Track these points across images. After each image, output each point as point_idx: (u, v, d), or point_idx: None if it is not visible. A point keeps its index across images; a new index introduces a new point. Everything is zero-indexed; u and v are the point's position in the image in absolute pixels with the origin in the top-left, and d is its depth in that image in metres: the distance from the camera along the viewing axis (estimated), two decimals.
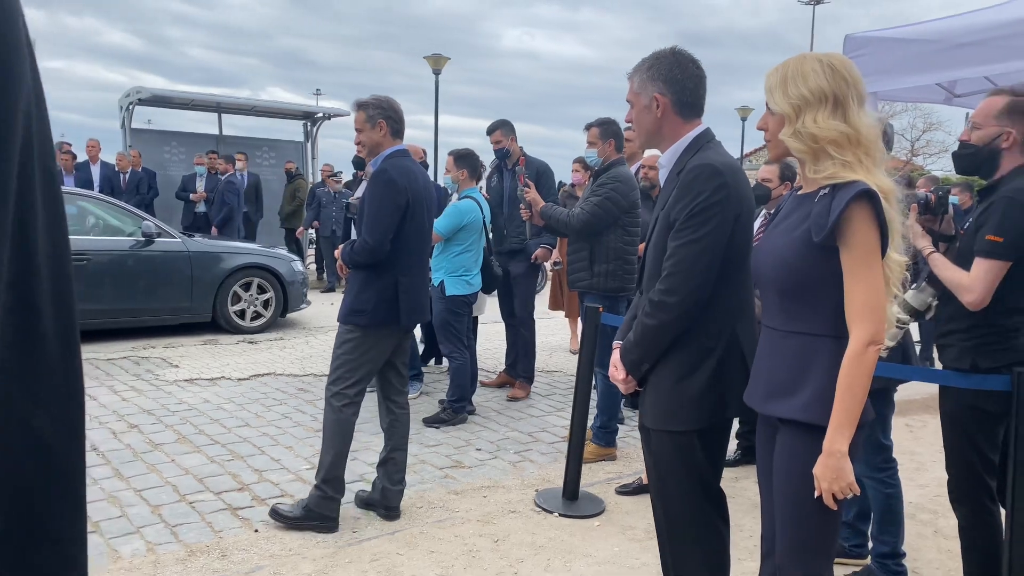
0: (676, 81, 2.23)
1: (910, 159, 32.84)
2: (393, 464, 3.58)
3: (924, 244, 2.54)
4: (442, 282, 5.14)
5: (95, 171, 10.60)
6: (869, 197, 1.70)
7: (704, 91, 2.31)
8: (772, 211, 2.15)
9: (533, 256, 5.70)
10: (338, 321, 3.50)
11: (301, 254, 12.07)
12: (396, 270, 3.44)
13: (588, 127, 4.52)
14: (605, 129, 4.44)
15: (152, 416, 4.93)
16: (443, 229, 5.04)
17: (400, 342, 3.61)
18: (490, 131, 5.78)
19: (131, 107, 11.90)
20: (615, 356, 2.33)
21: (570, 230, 4.49)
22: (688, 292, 2.10)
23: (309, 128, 13.86)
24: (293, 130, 14.57)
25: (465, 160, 5.28)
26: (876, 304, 1.72)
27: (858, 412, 1.73)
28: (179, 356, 6.70)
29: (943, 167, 35.18)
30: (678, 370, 2.17)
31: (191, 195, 11.02)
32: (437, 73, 15.80)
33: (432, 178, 8.03)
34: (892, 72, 5.53)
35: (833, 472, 1.71)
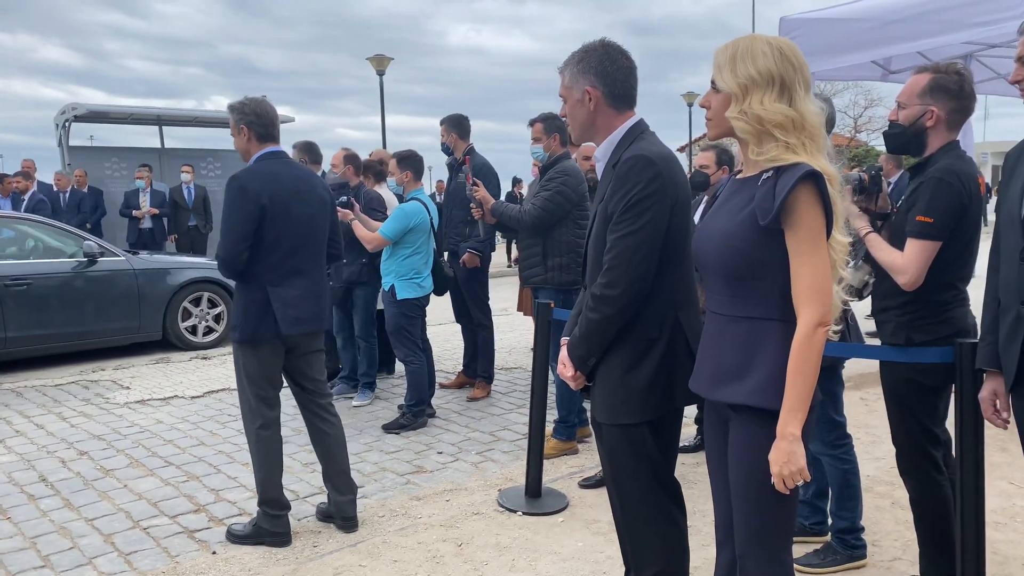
0: (607, 74, 2.22)
1: (854, 136, 33.48)
2: (335, 475, 3.51)
3: (861, 224, 2.57)
4: (392, 286, 5.07)
5: (29, 192, 10.27)
6: (814, 179, 1.70)
7: (635, 81, 2.29)
8: (711, 196, 2.14)
9: (460, 260, 5.60)
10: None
11: None
12: (264, 280, 3.25)
13: (532, 123, 4.51)
14: (549, 124, 4.44)
15: (103, 441, 4.79)
16: (390, 232, 4.98)
17: (302, 356, 3.44)
18: (440, 123, 5.77)
19: (67, 124, 11.58)
20: (563, 353, 2.31)
21: (522, 226, 4.48)
22: (629, 284, 2.09)
23: (228, 109, 13.59)
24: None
25: (408, 162, 5.23)
26: (823, 286, 1.72)
27: (810, 395, 1.73)
28: (130, 377, 6.54)
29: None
30: (624, 362, 2.16)
31: (134, 212, 10.77)
32: (381, 74, 15.66)
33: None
34: (827, 52, 5.61)
35: (785, 455, 1.71)
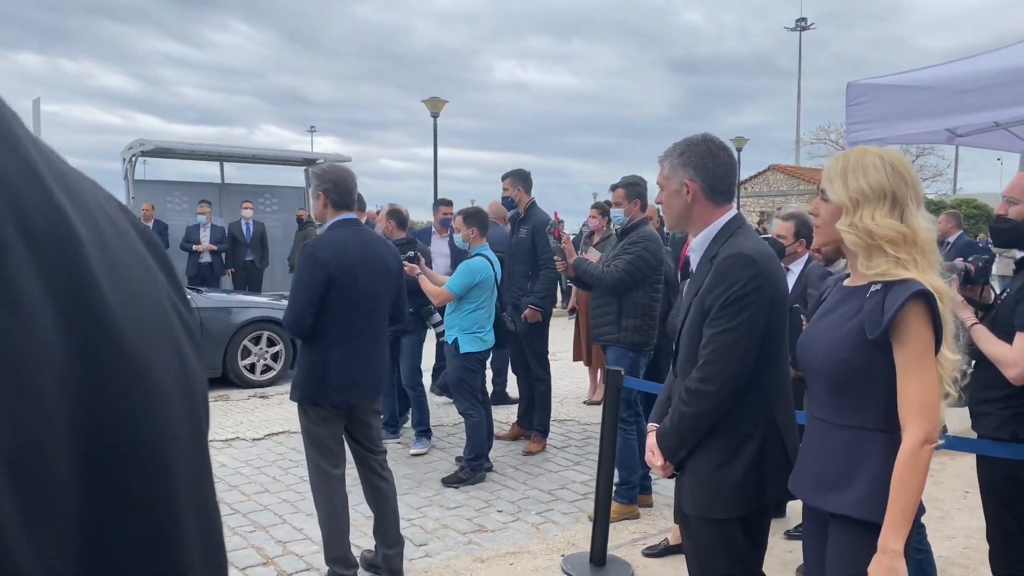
0: (707, 169, 2.27)
1: None
2: (386, 529, 3.60)
3: (966, 315, 2.56)
4: (456, 340, 5.15)
5: None
6: (925, 297, 1.72)
7: (735, 177, 2.34)
8: (815, 302, 2.16)
9: (523, 315, 5.68)
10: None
11: None
12: (326, 345, 3.36)
13: (614, 187, 4.70)
14: (631, 190, 4.60)
15: None
16: (456, 288, 5.07)
17: (360, 417, 3.54)
18: (503, 178, 5.94)
19: (134, 159, 11.98)
20: (651, 440, 2.33)
21: (603, 286, 4.60)
22: (725, 381, 2.12)
23: (310, 175, 13.94)
24: (294, 175, 14.69)
25: (474, 219, 5.33)
26: (930, 402, 1.73)
27: (913, 510, 1.73)
28: None
29: (937, 190, 35.46)
30: (717, 456, 2.17)
31: (194, 246, 11.06)
32: (435, 116, 15.94)
33: (429, 226, 8.12)
34: (896, 119, 5.59)
35: (886, 571, 1.71)
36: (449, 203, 8.10)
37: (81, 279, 0.39)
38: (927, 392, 1.73)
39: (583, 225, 12.89)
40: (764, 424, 2.17)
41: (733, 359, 2.11)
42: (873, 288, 1.81)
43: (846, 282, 1.97)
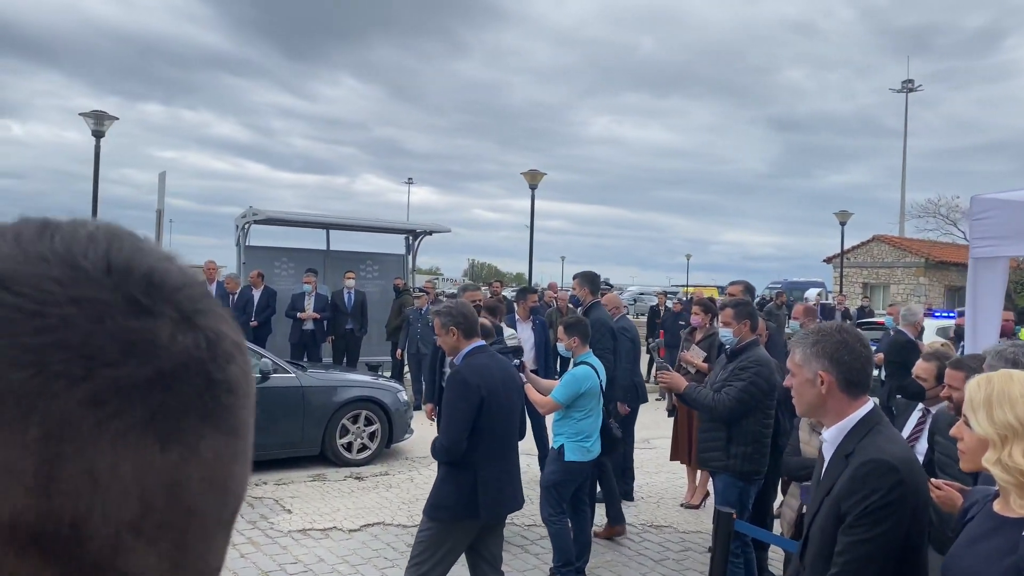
0: (843, 362, 2.19)
1: None
2: None
3: None
4: (562, 446, 5.11)
5: (212, 290, 11.13)
6: None
7: (871, 369, 2.26)
8: (966, 509, 2.04)
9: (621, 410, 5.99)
10: (423, 512, 3.69)
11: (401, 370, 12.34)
12: (475, 463, 3.58)
13: (723, 307, 4.61)
14: (740, 310, 4.53)
15: None
16: (562, 398, 5.04)
17: (492, 533, 3.72)
18: (573, 278, 6.42)
19: (247, 227, 12.57)
20: None
21: (715, 415, 4.50)
22: None
23: (411, 242, 14.32)
24: (395, 242, 15.09)
25: (575, 328, 5.31)
26: None
27: None
28: (290, 497, 6.82)
29: None
30: None
31: (299, 314, 11.45)
32: (533, 187, 16.14)
33: (528, 281, 8.23)
34: (1022, 235, 5.33)
35: None
36: (535, 291, 8.17)
37: None
38: None
39: (665, 300, 12.77)
40: None
41: (869, 572, 2.01)
42: None
43: (996, 506, 1.85)
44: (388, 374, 12.36)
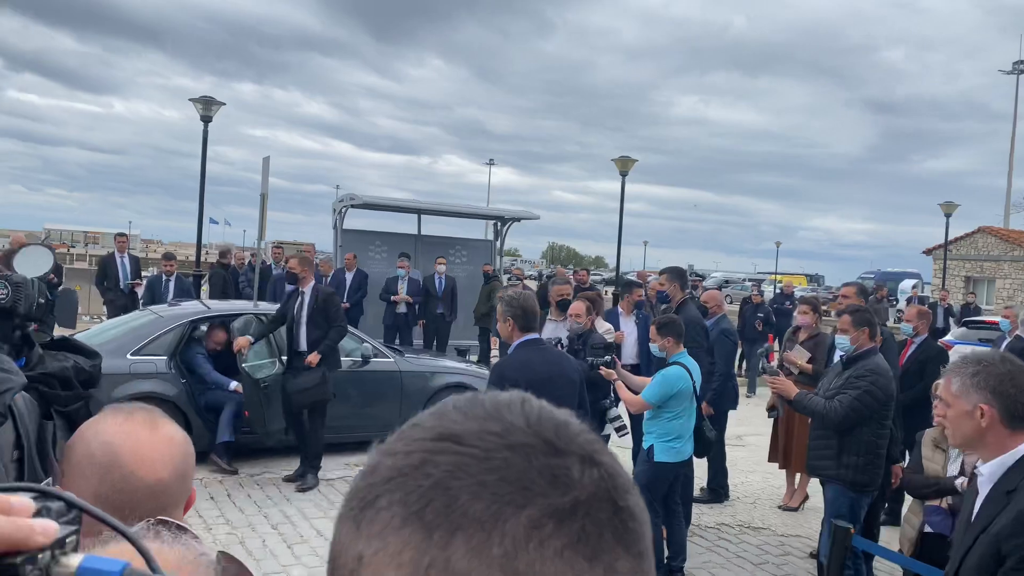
0: (1007, 395, 2.10)
1: None
2: None
3: None
4: (651, 446, 5.07)
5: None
6: None
7: None
8: None
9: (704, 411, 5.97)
10: None
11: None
12: None
13: (840, 313, 4.50)
14: (858, 318, 4.42)
15: None
16: (653, 398, 5.00)
17: None
18: (661, 273, 6.51)
19: (343, 211, 12.89)
20: None
21: (827, 423, 4.40)
22: None
23: (499, 228, 14.42)
24: (482, 227, 15.23)
25: (669, 328, 5.23)
26: None
27: None
28: None
29: None
30: None
31: (392, 297, 11.69)
32: (624, 175, 15.95)
33: (616, 270, 8.21)
34: None
35: None
36: (640, 284, 8.09)
37: None
38: None
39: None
40: None
41: None
42: None
43: None
44: (475, 358, 12.53)
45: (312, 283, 6.89)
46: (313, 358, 6.60)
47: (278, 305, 7.41)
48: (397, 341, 11.07)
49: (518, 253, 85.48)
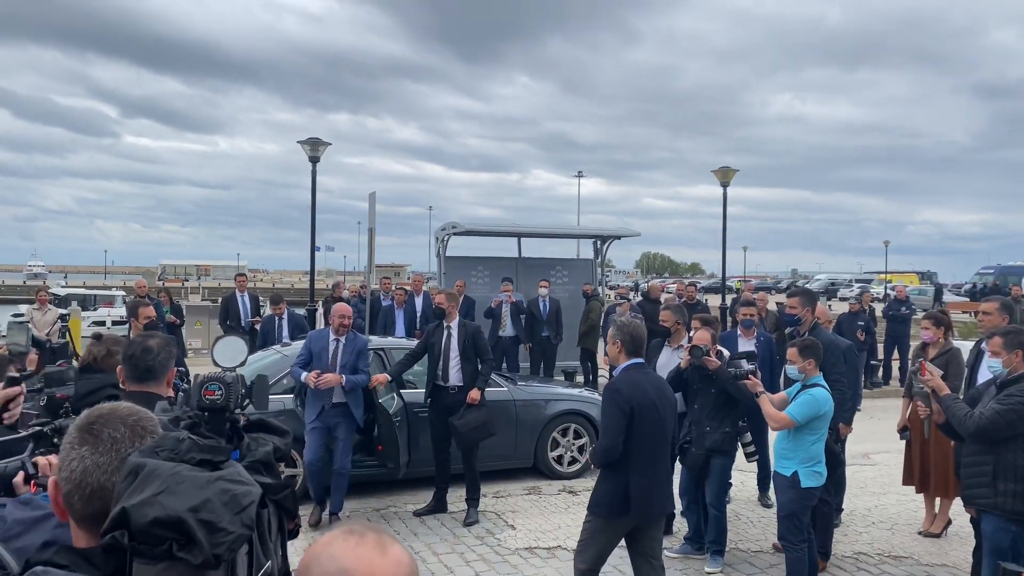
0: None
1: None
2: None
3: None
4: (796, 473, 4.92)
5: (419, 303, 11.71)
6: None
7: None
8: None
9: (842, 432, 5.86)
10: (587, 507, 4.31)
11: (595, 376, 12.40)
12: (628, 468, 4.08)
13: (991, 336, 4.31)
14: (1011, 339, 4.25)
15: None
16: (800, 417, 4.90)
17: (645, 533, 4.23)
18: (790, 295, 6.16)
19: (446, 239, 13.12)
20: None
21: (963, 429, 4.23)
22: None
23: (599, 247, 14.35)
24: (582, 246, 15.18)
25: (811, 351, 5.08)
26: None
27: None
28: (511, 511, 7.01)
29: None
30: None
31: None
32: (725, 185, 15.62)
33: (722, 282, 7.95)
34: None
35: None
36: (752, 304, 7.90)
37: None
38: None
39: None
40: None
41: None
42: None
43: None
44: (580, 379, 12.47)
45: (457, 318, 6.98)
46: (475, 394, 6.71)
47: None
48: (504, 366, 11.14)
49: (612, 264, 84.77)
